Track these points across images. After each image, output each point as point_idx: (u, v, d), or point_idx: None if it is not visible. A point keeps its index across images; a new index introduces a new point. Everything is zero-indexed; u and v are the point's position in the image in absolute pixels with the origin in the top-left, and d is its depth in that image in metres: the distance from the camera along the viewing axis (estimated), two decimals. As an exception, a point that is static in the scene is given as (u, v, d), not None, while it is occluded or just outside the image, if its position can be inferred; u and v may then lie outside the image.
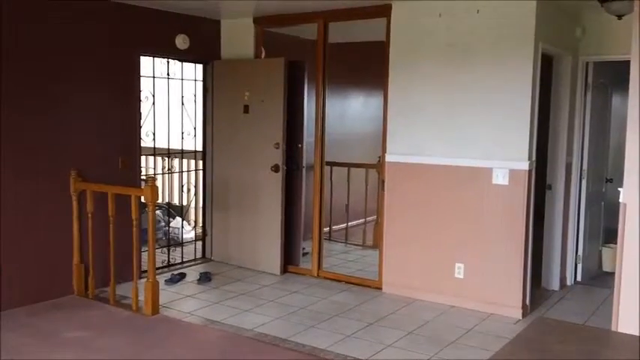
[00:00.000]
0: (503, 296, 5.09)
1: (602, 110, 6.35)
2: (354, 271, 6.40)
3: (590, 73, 6.01)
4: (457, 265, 5.28)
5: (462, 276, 5.26)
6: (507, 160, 4.99)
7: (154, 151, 6.28)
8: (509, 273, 5.05)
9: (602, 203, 6.64)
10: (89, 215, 5.16)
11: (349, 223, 7.89)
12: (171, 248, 6.54)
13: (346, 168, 7.63)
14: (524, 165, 4.93)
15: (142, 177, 6.04)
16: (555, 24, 5.32)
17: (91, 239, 5.21)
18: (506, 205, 5.03)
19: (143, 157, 7.07)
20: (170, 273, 5.99)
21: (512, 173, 4.98)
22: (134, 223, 4.89)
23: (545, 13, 4.99)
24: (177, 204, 7.66)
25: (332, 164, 7.19)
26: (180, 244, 6.71)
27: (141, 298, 4.94)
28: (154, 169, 6.80)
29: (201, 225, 6.94)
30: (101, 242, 5.18)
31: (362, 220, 7.89)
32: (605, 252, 6.61)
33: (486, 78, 5.07)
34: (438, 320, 4.95)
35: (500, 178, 5.02)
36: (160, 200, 7.76)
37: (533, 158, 5.05)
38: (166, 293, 5.45)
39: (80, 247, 5.29)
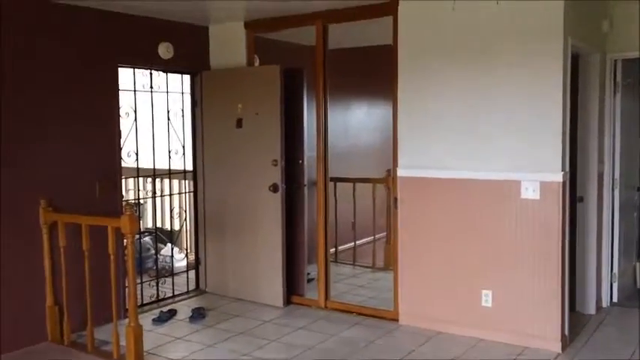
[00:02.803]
0: (538, 327, 4.45)
1: (632, 112, 5.76)
2: (366, 299, 5.76)
3: (618, 72, 5.42)
4: (484, 292, 4.64)
5: (489, 304, 4.62)
6: (537, 171, 4.37)
7: (137, 173, 5.64)
8: (545, 299, 4.42)
9: (635, 214, 6.04)
10: (62, 250, 4.53)
11: (357, 242, 7.26)
12: (162, 280, 5.88)
13: (352, 183, 7.03)
14: (557, 176, 4.31)
15: (126, 202, 5.40)
16: (583, 16, 4.71)
17: (64, 277, 4.57)
18: (538, 222, 4.40)
19: (130, 180, 6.52)
20: (159, 310, 5.33)
21: (544, 186, 4.35)
22: (112, 258, 4.25)
23: (573, 4, 4.39)
24: (168, 229, 7.04)
25: (336, 180, 6.64)
26: (171, 274, 6.05)
27: (123, 343, 4.29)
28: (137, 192, 6.15)
29: (193, 252, 6.28)
30: (78, 280, 4.52)
31: (370, 239, 7.27)
32: (640, 268, 6.02)
33: (509, 79, 4.46)
34: (465, 358, 4.30)
35: (530, 191, 4.40)
36: (149, 225, 7.18)
37: (567, 169, 4.43)
38: (153, 335, 4.80)
39: (53, 287, 4.65)
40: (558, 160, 4.31)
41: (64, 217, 4.52)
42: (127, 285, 4.62)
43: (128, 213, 4.11)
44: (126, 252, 4.37)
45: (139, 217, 7.00)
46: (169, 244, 6.64)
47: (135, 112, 5.43)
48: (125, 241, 4.21)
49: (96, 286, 4.51)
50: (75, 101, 4.86)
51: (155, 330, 4.96)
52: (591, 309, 5.30)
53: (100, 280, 4.51)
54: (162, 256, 6.46)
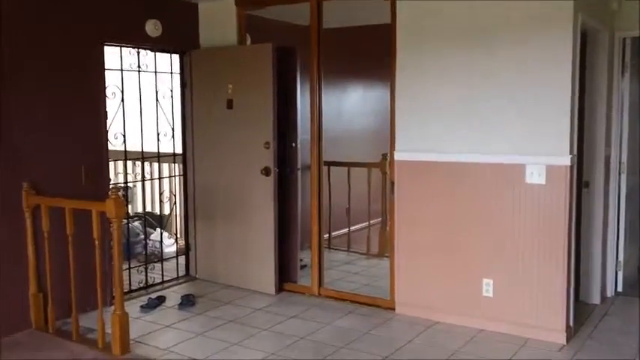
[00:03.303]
0: (542, 317, 4.26)
1: (638, 93, 5.57)
2: (360, 286, 5.57)
3: (627, 51, 5.21)
4: (485, 280, 4.45)
5: (491, 294, 4.43)
6: (543, 154, 4.16)
7: (125, 156, 5.41)
8: (549, 289, 4.23)
9: (640, 200, 5.86)
10: (45, 235, 4.31)
11: (351, 228, 7.06)
12: (151, 266, 5.67)
13: (346, 168, 6.81)
14: (565, 160, 4.11)
15: (112, 186, 5.18)
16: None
17: (48, 263, 4.35)
18: (543, 208, 4.20)
19: (120, 163, 6.29)
20: (147, 297, 5.12)
21: (550, 170, 4.15)
22: (96, 243, 4.03)
23: (583, -21, 4.17)
24: (158, 213, 6.83)
25: (330, 164, 6.47)
26: (160, 260, 5.83)
27: (109, 330, 4.09)
28: (125, 175, 5.92)
29: (183, 238, 6.07)
30: (62, 266, 4.31)
31: (365, 224, 7.06)
32: (645, 255, 5.84)
33: (515, 57, 4.24)
34: (466, 350, 4.12)
35: (535, 176, 4.20)
36: (139, 210, 6.95)
37: (575, 152, 4.23)
38: (141, 323, 4.61)
39: (37, 273, 4.44)
40: (566, 143, 4.10)
41: (47, 200, 4.30)
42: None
43: (113, 197, 3.89)
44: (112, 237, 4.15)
45: (128, 202, 6.79)
46: (159, 229, 6.43)
47: (122, 92, 5.19)
48: (111, 226, 3.99)
49: (81, 272, 4.32)
50: (58, 81, 4.61)
51: (143, 317, 4.76)
52: (596, 299, 5.12)
53: (85, 266, 4.31)
54: (151, 242, 6.24)
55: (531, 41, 4.16)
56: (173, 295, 5.29)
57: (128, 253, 5.63)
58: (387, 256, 5.16)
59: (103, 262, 4.09)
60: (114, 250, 3.92)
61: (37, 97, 4.48)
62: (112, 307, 4.14)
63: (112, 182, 5.52)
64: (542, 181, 4.17)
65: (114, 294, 4.10)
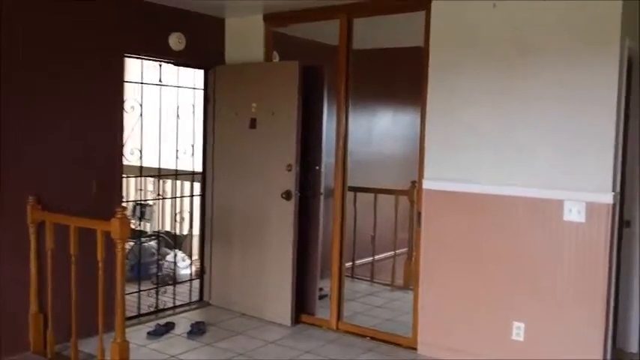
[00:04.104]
0: (577, 366, 3.91)
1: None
2: (382, 321, 5.25)
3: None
4: (515, 324, 4.11)
5: (521, 338, 4.09)
6: (583, 190, 3.84)
7: (141, 172, 5.21)
8: (585, 336, 3.87)
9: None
10: (49, 253, 4.11)
11: (376, 257, 6.76)
12: (163, 289, 5.43)
13: (372, 194, 6.54)
14: (607, 197, 3.77)
15: (126, 203, 4.98)
16: (638, 14, 4.18)
17: (50, 283, 4.15)
18: (581, 248, 3.86)
19: (140, 180, 6.13)
20: (155, 323, 4.88)
21: (590, 207, 3.82)
22: (100, 265, 3.81)
23: (632, 2, 3.86)
24: (178, 233, 6.61)
25: (356, 189, 6.18)
26: (173, 283, 5.60)
27: (109, 358, 3.84)
28: (140, 193, 5.73)
29: (198, 260, 5.83)
30: (66, 287, 4.07)
31: (391, 254, 6.76)
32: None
33: (554, 85, 3.94)
34: (492, 399, 3.79)
35: (574, 213, 3.87)
36: (159, 228, 6.76)
37: (618, 189, 3.89)
38: (145, 351, 4.37)
39: (39, 293, 4.23)
40: (608, 179, 3.77)
41: (52, 216, 4.10)
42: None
43: (119, 216, 3.66)
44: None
45: (144, 220, 6.61)
46: (175, 250, 6.21)
47: (141, 106, 5.01)
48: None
49: (85, 294, 4.08)
50: (74, 91, 4.44)
51: (148, 345, 4.51)
52: (634, 347, 4.72)
53: (90, 287, 4.06)
54: (167, 263, 6.02)
55: (575, 65, 3.85)
56: (184, 321, 5.03)
57: (139, 275, 5.41)
58: (411, 289, 4.86)
59: (107, 284, 3.85)
60: (117, 274, 3.69)
61: (51, 106, 4.32)
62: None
63: (126, 199, 5.32)
64: (582, 219, 3.84)
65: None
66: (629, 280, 4.72)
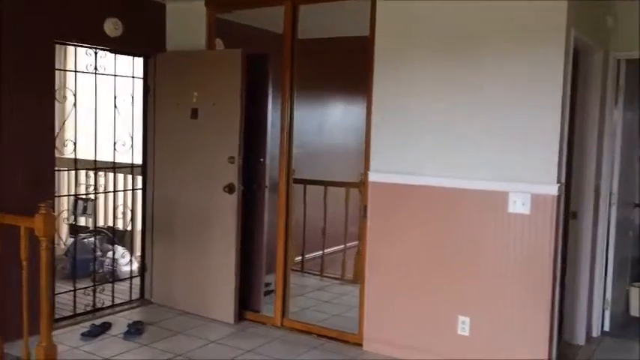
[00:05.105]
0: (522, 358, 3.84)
1: (633, 118, 5.21)
2: (329, 317, 5.12)
3: (622, 73, 4.86)
4: (461, 318, 4.03)
5: (467, 332, 4.01)
6: (528, 182, 3.77)
7: (75, 165, 4.96)
8: (530, 328, 3.81)
9: (631, 233, 5.47)
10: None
11: (326, 251, 6.63)
12: (101, 287, 5.19)
13: (322, 187, 6.41)
14: (552, 189, 3.71)
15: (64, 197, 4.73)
16: (586, 7, 4.12)
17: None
18: (526, 240, 3.80)
19: (75, 173, 5.84)
20: (91, 323, 4.66)
21: (536, 199, 3.75)
22: (24, 264, 3.57)
23: (577, -8, 3.81)
24: (121, 228, 6.34)
25: (305, 182, 6.04)
26: (111, 281, 5.36)
27: (38, 362, 3.62)
28: (75, 187, 5.46)
29: (139, 257, 5.61)
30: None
31: (341, 247, 6.64)
32: (634, 293, 5.44)
33: (500, 76, 3.86)
34: (437, 397, 3.70)
35: (519, 205, 3.80)
36: (101, 224, 6.50)
37: (563, 180, 3.84)
38: (77, 354, 4.15)
39: (-39, 293, 3.98)
40: (553, 170, 3.71)
41: (-30, 213, 3.83)
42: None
43: (43, 212, 3.43)
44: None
45: (86, 215, 6.35)
46: (115, 246, 5.97)
47: (75, 95, 4.76)
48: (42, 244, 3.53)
49: (13, 295, 3.82)
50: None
51: (82, 347, 4.29)
52: (580, 339, 4.72)
53: (18, 288, 3.82)
54: (107, 260, 5.78)
55: (521, 56, 3.78)
56: (122, 321, 4.81)
57: (74, 273, 5.15)
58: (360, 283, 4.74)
59: (31, 284, 3.61)
60: (42, 273, 3.46)
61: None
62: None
63: (60, 194, 5.06)
64: (527, 210, 3.78)
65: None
66: (575, 272, 4.71)
